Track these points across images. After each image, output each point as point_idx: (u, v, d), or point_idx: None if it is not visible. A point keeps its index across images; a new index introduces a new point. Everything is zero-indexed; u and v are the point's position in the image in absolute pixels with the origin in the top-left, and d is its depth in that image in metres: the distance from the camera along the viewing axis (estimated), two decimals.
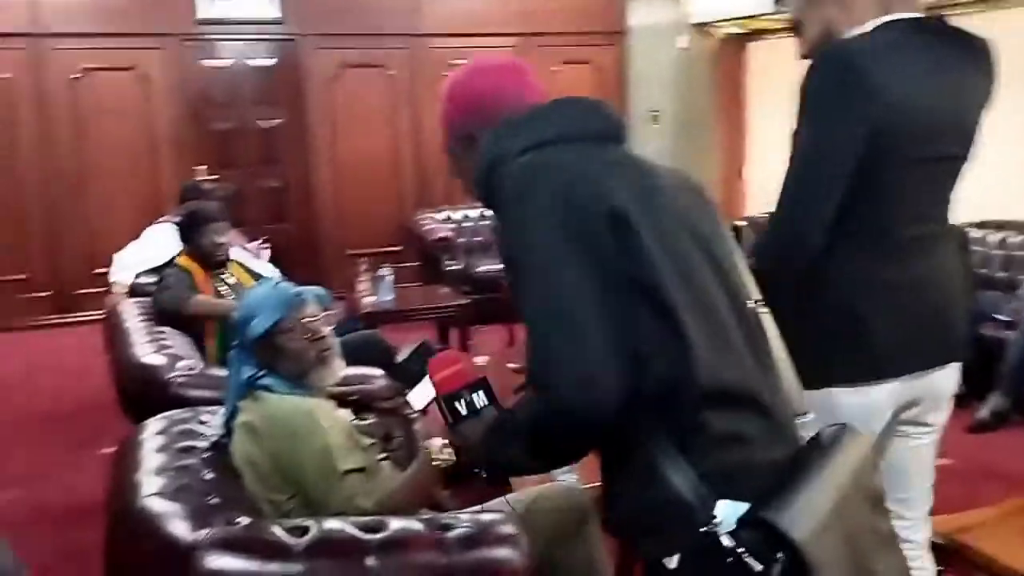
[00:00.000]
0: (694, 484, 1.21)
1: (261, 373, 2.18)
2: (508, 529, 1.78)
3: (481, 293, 5.97)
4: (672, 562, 1.24)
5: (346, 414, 2.33)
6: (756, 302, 1.40)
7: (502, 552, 1.74)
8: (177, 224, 3.87)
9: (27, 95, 6.64)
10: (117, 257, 4.26)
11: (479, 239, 6.97)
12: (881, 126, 1.60)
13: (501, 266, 1.34)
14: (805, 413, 1.41)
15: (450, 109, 1.49)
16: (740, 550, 1.16)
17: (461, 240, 6.72)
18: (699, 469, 1.22)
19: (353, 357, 2.39)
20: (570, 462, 1.34)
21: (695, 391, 1.23)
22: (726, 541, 1.17)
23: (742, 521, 1.19)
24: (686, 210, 1.35)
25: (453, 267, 6.36)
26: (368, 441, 2.21)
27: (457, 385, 1.49)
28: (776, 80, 7.45)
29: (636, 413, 1.22)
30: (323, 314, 2.29)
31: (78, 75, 6.72)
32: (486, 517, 1.83)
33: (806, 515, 1.18)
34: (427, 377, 2.55)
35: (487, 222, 7.03)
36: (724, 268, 1.35)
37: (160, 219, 4.70)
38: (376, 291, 5.20)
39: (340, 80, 7.37)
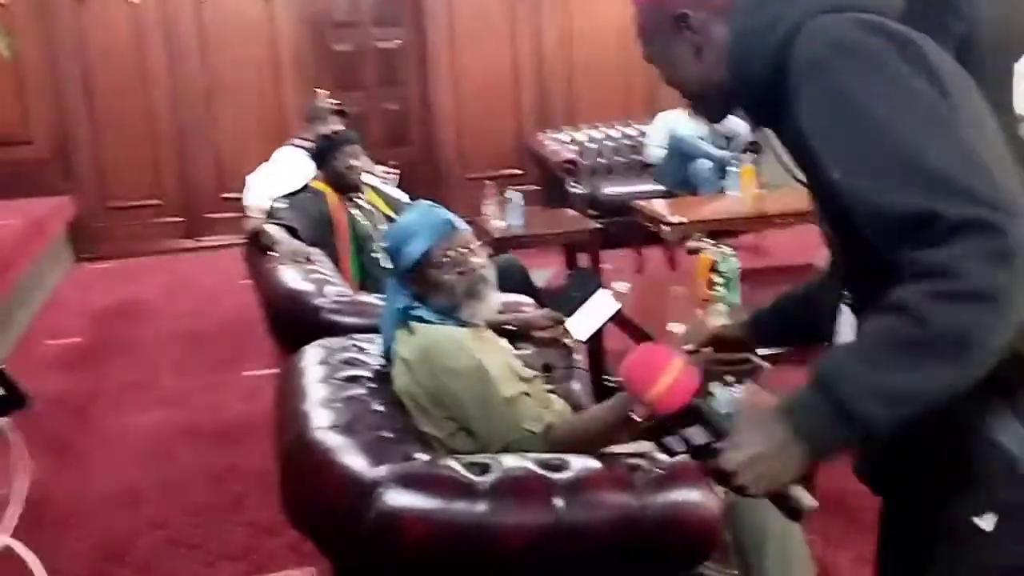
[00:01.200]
0: (1018, 433, 1.05)
1: (414, 304, 2.09)
2: (700, 470, 1.65)
3: (608, 217, 5.80)
4: (987, 523, 1.07)
5: (504, 344, 2.23)
6: None
7: (695, 495, 1.62)
8: (313, 147, 3.82)
9: (154, 19, 6.69)
10: (250, 179, 4.24)
11: (603, 161, 6.75)
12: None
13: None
14: None
15: None
16: None
17: (586, 162, 6.51)
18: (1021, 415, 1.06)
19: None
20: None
21: None
22: None
23: None
24: None
25: (578, 190, 6.18)
26: (530, 372, 2.11)
27: (679, 403, 1.07)
28: None
29: None
30: (477, 243, 2.16)
31: None
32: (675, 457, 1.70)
33: None
34: (585, 305, 2.42)
35: (611, 143, 6.79)
36: None
37: (290, 141, 4.65)
38: (504, 215, 5.08)
39: None
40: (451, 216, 2.13)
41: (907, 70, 0.98)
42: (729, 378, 1.54)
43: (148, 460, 3.46)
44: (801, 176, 1.17)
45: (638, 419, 1.54)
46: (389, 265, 2.17)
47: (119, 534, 2.94)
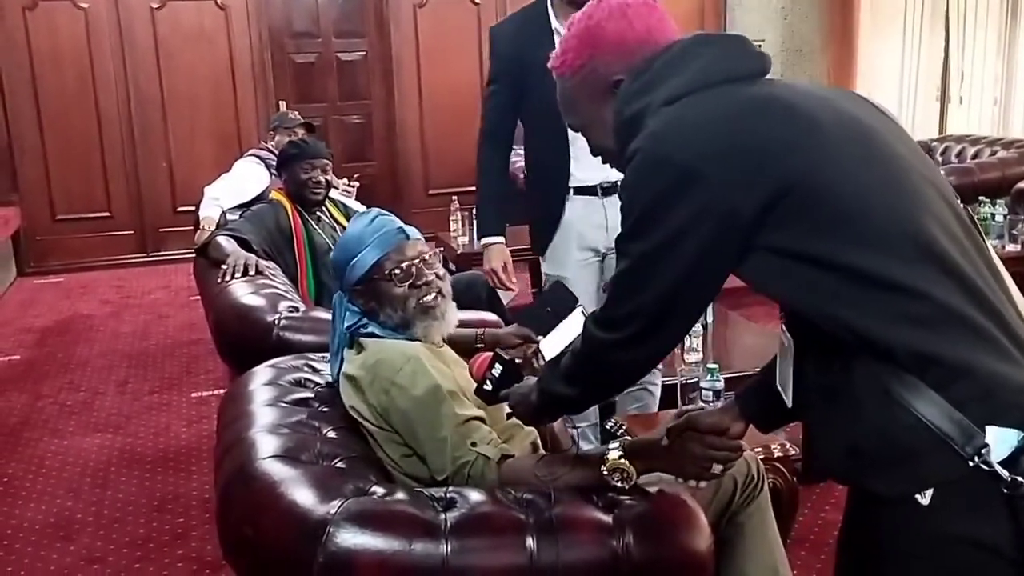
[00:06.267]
0: (947, 411, 1.09)
1: (363, 321, 1.90)
2: (688, 506, 1.49)
3: None
4: (925, 498, 1.12)
5: (463, 363, 2.03)
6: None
7: (686, 538, 1.45)
8: (276, 155, 3.63)
9: (106, 26, 6.44)
10: (207, 190, 4.02)
11: None
12: None
13: None
14: None
15: (591, 55, 1.36)
16: (1021, 480, 1.07)
17: None
18: (946, 394, 1.09)
19: (457, 301, 2.06)
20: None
21: None
22: (1003, 471, 1.07)
23: (1019, 448, 1.08)
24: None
25: None
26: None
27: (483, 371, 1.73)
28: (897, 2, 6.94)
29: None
30: (433, 253, 1.98)
31: (157, 5, 6.50)
32: (659, 489, 1.54)
33: None
34: (561, 323, 2.24)
35: None
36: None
37: (251, 151, 4.45)
38: (469, 231, 4.93)
39: (425, 8, 7.01)
40: (403, 224, 1.95)
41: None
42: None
43: (84, 489, 3.21)
44: None
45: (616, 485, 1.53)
46: (336, 279, 1.98)
47: (50, 570, 2.70)
